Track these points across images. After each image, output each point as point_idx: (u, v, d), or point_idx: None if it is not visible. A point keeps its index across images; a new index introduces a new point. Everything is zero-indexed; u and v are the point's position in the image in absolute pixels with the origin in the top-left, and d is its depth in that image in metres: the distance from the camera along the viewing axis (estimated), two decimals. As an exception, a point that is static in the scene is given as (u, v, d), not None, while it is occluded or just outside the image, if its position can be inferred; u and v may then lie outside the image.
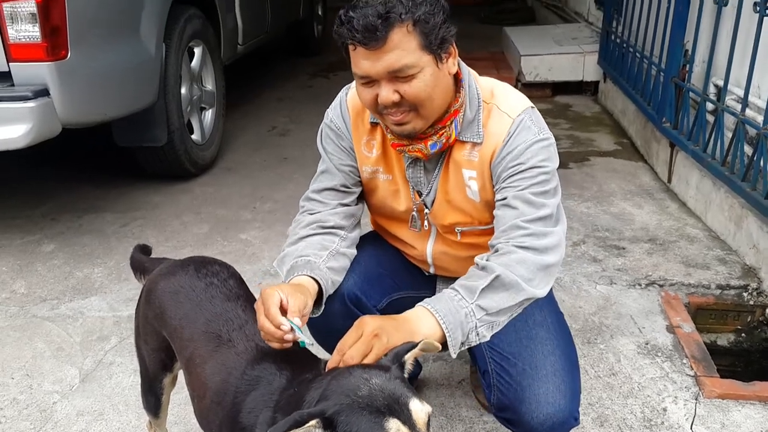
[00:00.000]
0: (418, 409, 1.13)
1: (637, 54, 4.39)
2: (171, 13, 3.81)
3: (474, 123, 1.68)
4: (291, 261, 1.65)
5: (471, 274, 1.56)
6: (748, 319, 2.71)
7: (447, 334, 1.43)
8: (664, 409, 2.19)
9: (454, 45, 1.61)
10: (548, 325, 1.82)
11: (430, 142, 1.66)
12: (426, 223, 1.84)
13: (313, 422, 1.11)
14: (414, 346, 1.29)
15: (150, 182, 4.20)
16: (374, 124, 1.78)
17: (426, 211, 1.82)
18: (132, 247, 3.37)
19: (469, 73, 1.70)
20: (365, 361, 1.29)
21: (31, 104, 2.85)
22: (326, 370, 1.33)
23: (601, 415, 2.18)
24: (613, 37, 5.14)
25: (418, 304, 1.49)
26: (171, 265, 1.82)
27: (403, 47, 1.49)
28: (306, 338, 1.40)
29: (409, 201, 1.82)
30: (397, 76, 1.52)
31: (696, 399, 2.22)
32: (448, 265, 1.93)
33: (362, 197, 1.89)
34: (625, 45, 4.74)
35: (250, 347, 1.53)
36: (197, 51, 4.32)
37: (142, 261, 2.06)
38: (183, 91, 4.05)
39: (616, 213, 3.56)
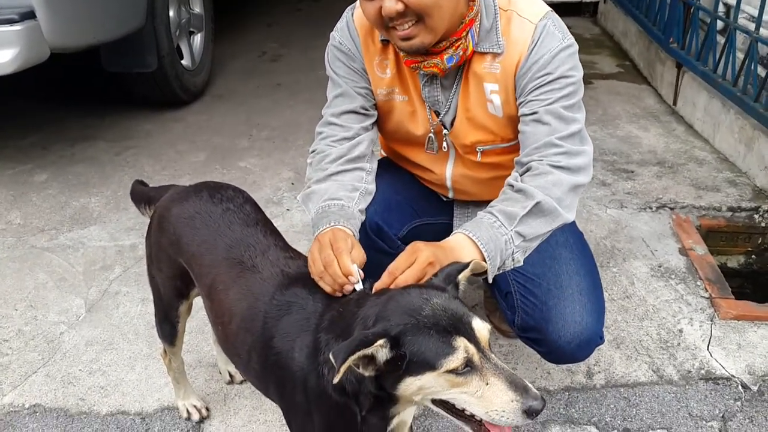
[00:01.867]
0: (480, 327, 1.12)
1: (642, -29, 4.25)
2: (156, -72, 3.60)
3: (492, 32, 1.59)
4: (321, 201, 1.58)
5: (508, 197, 1.50)
6: (759, 241, 2.70)
7: (488, 261, 1.40)
8: (680, 331, 2.19)
9: None
10: (570, 245, 1.80)
11: (446, 56, 1.57)
12: (445, 144, 1.77)
13: (380, 341, 1.08)
14: (465, 266, 1.25)
15: (140, 110, 4.07)
16: (385, 43, 1.68)
17: (445, 131, 1.74)
18: (128, 176, 3.34)
19: None
20: None
21: (17, 27, 2.71)
22: (374, 291, 1.29)
23: (617, 337, 2.18)
24: (614, -44, 4.97)
25: (458, 230, 1.45)
26: (183, 191, 1.75)
27: None
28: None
29: (426, 122, 1.74)
30: None
31: (711, 320, 2.23)
32: (469, 188, 1.87)
33: (377, 121, 1.81)
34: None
35: (275, 273, 1.48)
36: (184, -29, 4.12)
37: (145, 191, 1.98)
38: (171, 14, 3.88)
39: (623, 136, 3.51)
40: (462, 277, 1.24)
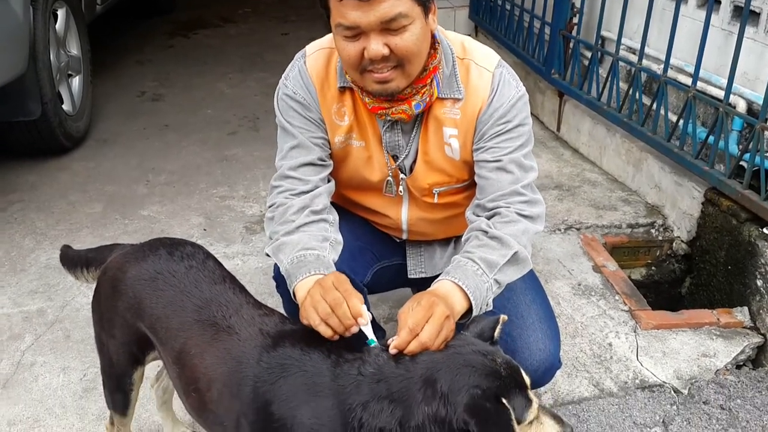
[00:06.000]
0: (526, 375, 1.18)
1: (516, 8, 4.52)
2: (33, -29, 3.40)
3: (452, 78, 1.66)
4: (295, 251, 1.56)
5: (485, 244, 1.56)
6: (657, 254, 2.94)
7: (473, 308, 1.47)
8: (610, 344, 2.35)
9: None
10: (524, 277, 1.88)
11: (413, 102, 1.62)
12: (401, 188, 1.80)
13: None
14: (496, 322, 1.32)
15: (20, 161, 3.79)
16: (342, 90, 1.70)
17: (402, 176, 1.78)
18: (18, 234, 3.10)
19: (438, 28, 1.67)
20: (437, 342, 1.28)
21: None
22: (394, 348, 1.28)
23: (555, 356, 2.30)
24: (483, -9, 5.25)
25: (445, 277, 1.49)
26: (137, 250, 1.66)
27: None
28: (374, 337, 1.35)
29: (383, 167, 1.76)
30: (388, 27, 1.47)
31: (635, 332, 2.40)
32: (424, 229, 1.92)
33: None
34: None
35: (253, 333, 1.44)
36: (60, 13, 3.91)
37: (81, 254, 1.85)
38: (51, 57, 3.66)
39: (518, 163, 3.70)
40: (497, 332, 1.30)
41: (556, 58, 3.82)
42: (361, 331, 1.36)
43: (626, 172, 3.33)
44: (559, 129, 4.01)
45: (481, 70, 1.66)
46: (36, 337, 2.46)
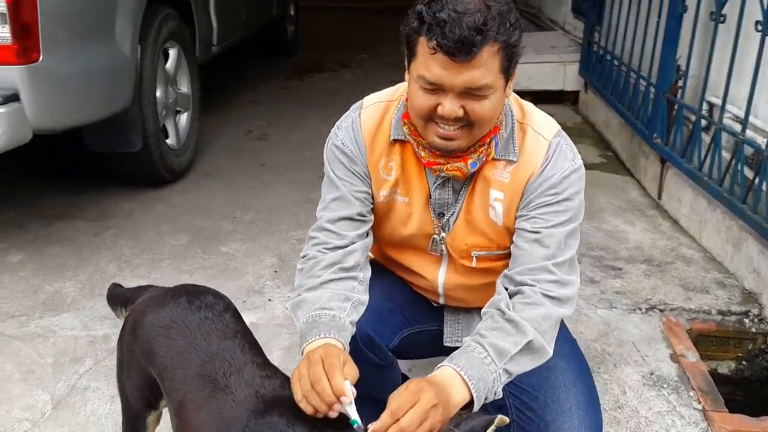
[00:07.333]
0: None
1: (623, 66, 4.34)
2: (146, 13, 3.63)
3: (509, 141, 1.60)
4: (312, 311, 1.52)
5: (499, 327, 1.47)
6: (750, 347, 2.65)
7: (475, 401, 1.38)
8: (674, 446, 2.11)
9: None
10: (566, 353, 1.76)
11: (470, 161, 1.56)
12: (442, 248, 1.73)
13: None
14: (489, 422, 1.23)
15: (122, 189, 4.01)
16: (393, 143, 1.66)
17: (442, 234, 1.71)
18: (105, 259, 3.25)
19: None
20: (419, 430, 1.22)
21: (0, 110, 2.66)
22: (372, 431, 1.22)
23: (608, 451, 2.09)
24: (594, 48, 5.09)
25: (448, 363, 1.41)
26: (160, 296, 1.66)
27: (488, 66, 1.40)
28: (357, 418, 1.28)
29: (429, 224, 1.70)
30: (470, 92, 1.42)
31: (705, 435, 2.15)
32: (461, 295, 1.83)
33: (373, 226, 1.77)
34: (608, 56, 4.69)
35: (249, 395, 1.39)
36: (172, 52, 4.14)
37: (121, 293, 1.90)
38: (158, 94, 3.87)
39: (609, 230, 3.49)
40: None
41: (659, 122, 3.60)
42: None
43: (725, 251, 3.05)
44: (660, 197, 3.76)
45: (538, 137, 1.60)
46: (95, 362, 2.54)
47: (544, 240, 1.55)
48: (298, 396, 1.31)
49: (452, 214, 1.68)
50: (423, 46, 1.41)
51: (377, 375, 1.76)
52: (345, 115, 1.73)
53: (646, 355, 2.51)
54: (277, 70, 7.05)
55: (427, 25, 1.38)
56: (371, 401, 1.50)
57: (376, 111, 1.69)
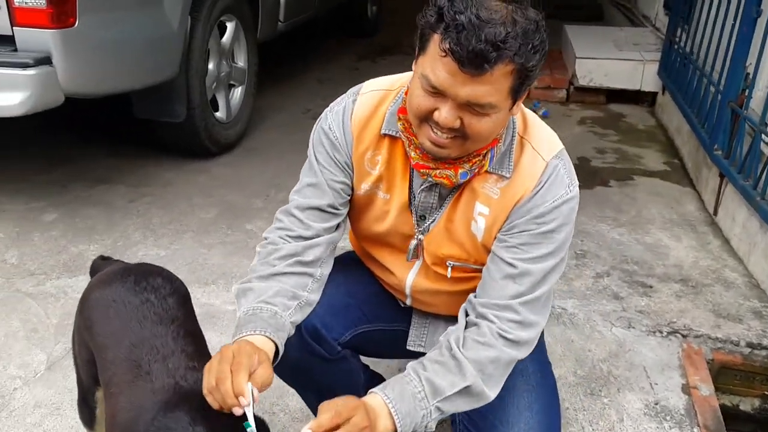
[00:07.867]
0: None
1: (697, 69, 4.03)
2: (201, -15, 3.64)
3: (506, 155, 1.49)
4: (254, 302, 1.46)
5: (442, 362, 1.42)
6: (778, 387, 2.41)
7: None
8: (662, 487, 1.94)
9: None
10: (529, 374, 1.64)
11: (461, 170, 1.46)
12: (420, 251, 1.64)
13: None
14: None
15: (167, 157, 4.06)
16: (382, 136, 1.56)
17: (420, 237, 1.61)
18: (133, 225, 3.30)
19: None
20: None
21: (30, 72, 2.72)
22: None
23: (588, 483, 1.94)
24: (676, 47, 4.76)
25: (379, 391, 1.36)
26: (111, 272, 1.65)
27: (497, 86, 1.30)
28: (252, 422, 1.24)
29: (405, 225, 1.61)
30: (471, 106, 1.32)
31: (700, 479, 1.96)
32: (428, 299, 1.74)
33: (346, 219, 1.68)
34: (687, 58, 4.37)
35: (167, 385, 1.35)
36: (229, 26, 4.15)
37: (98, 265, 1.89)
38: (210, 66, 3.89)
39: (651, 244, 3.25)
40: None
41: (721, 132, 3.32)
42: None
43: (770, 279, 2.78)
44: (716, 213, 3.48)
45: (536, 156, 1.48)
46: (97, 328, 2.58)
47: (518, 277, 1.46)
48: (204, 390, 1.27)
49: (433, 220, 1.59)
50: (435, 44, 1.30)
51: (325, 367, 1.70)
52: (341, 97, 1.63)
53: (655, 383, 2.32)
54: (350, 49, 6.99)
55: (445, 24, 1.26)
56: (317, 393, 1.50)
57: (371, 100, 1.59)
